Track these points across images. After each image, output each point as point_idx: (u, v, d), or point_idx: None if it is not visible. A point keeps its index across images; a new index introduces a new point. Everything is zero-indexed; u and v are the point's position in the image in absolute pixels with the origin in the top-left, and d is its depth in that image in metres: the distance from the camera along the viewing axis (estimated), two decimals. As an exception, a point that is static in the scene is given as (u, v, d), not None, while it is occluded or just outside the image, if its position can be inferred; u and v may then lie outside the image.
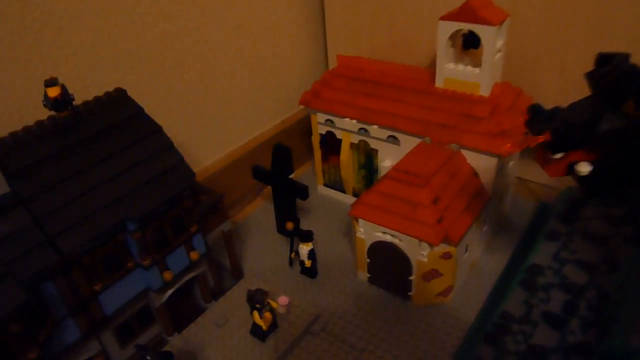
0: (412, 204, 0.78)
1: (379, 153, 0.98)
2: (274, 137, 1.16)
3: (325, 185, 1.14)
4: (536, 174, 1.10)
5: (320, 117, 1.03)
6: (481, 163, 0.86)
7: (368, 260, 0.87)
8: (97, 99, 0.68)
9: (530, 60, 0.95)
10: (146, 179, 0.65)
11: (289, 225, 0.87)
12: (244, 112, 1.11)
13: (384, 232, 0.82)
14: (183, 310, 0.83)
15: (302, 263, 0.90)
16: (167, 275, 0.70)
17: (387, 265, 0.85)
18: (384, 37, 1.10)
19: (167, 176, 0.67)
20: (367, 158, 1.03)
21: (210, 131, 1.05)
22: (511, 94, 0.90)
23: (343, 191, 1.10)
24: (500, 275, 0.89)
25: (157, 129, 0.69)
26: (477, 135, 0.85)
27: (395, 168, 0.82)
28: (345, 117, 0.99)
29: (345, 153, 1.02)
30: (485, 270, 0.90)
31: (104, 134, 0.65)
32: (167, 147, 0.68)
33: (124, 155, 0.65)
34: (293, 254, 0.91)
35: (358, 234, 0.85)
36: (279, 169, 0.93)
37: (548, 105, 0.56)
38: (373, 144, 0.98)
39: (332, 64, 1.22)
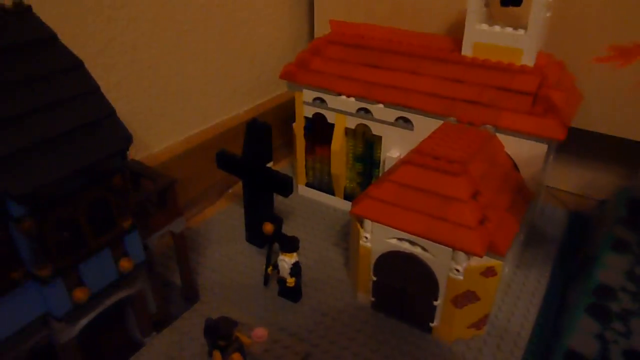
0: (444, 199, 0.56)
1: (384, 141, 0.76)
2: (245, 123, 0.92)
3: (309, 185, 0.91)
4: (564, 181, 0.91)
5: (308, 95, 0.81)
6: (524, 150, 0.66)
7: (374, 278, 0.64)
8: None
9: (575, 25, 0.75)
10: (51, 134, 0.40)
11: (267, 228, 0.63)
12: (209, 89, 0.88)
13: (400, 239, 0.59)
14: (107, 348, 0.56)
15: (281, 281, 0.65)
16: (80, 294, 0.45)
17: (402, 285, 0.62)
18: (383, 0, 0.89)
19: (85, 134, 0.42)
20: (366, 148, 0.80)
21: (164, 108, 0.80)
22: (556, 67, 0.71)
23: (332, 192, 0.87)
24: (545, 298, 0.67)
25: (76, 63, 0.45)
26: (520, 114, 0.65)
27: (417, 151, 0.60)
28: (341, 94, 0.77)
29: (338, 141, 0.79)
30: (524, 291, 0.69)
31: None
32: (90, 90, 0.44)
33: (19, 92, 0.40)
34: (270, 268, 0.66)
35: (362, 242, 0.62)
36: (253, 154, 0.70)
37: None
38: (376, 129, 0.76)
39: (319, 34, 0.99)
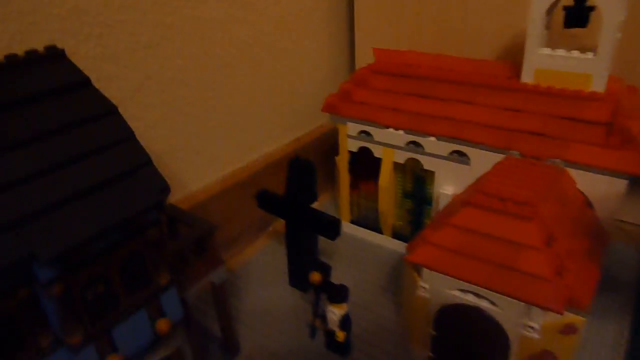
0: (514, 246, 0.50)
1: (437, 176, 0.70)
2: (285, 158, 0.88)
3: (354, 222, 0.85)
4: (634, 213, 0.82)
5: (352, 128, 0.76)
6: (600, 187, 0.58)
7: (433, 332, 0.57)
8: (27, 54, 0.40)
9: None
10: (83, 187, 0.36)
11: (315, 277, 0.57)
12: (247, 123, 0.84)
13: (464, 291, 0.53)
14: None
15: (329, 334, 0.60)
16: (113, 362, 0.40)
17: (466, 342, 0.55)
18: (429, 25, 0.84)
19: (120, 186, 0.38)
20: (417, 184, 0.75)
21: (202, 145, 0.77)
22: (628, 93, 0.64)
23: (378, 230, 0.81)
24: (630, 354, 0.59)
25: (109, 109, 0.41)
26: (593, 147, 0.58)
27: (481, 190, 0.54)
28: (388, 127, 0.72)
29: (386, 176, 0.74)
30: (603, 345, 0.61)
31: (24, 102, 0.37)
32: (125, 136, 0.40)
33: (50, 141, 0.37)
34: (317, 321, 0.61)
35: (419, 292, 0.56)
36: (297, 193, 0.65)
37: None
38: (427, 164, 0.70)
39: (361, 63, 0.95)
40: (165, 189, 0.42)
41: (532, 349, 0.51)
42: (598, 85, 0.60)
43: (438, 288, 0.55)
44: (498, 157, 0.63)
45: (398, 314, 0.67)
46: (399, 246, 0.80)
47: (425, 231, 0.57)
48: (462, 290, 0.53)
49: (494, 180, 0.56)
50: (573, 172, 0.59)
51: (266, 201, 0.69)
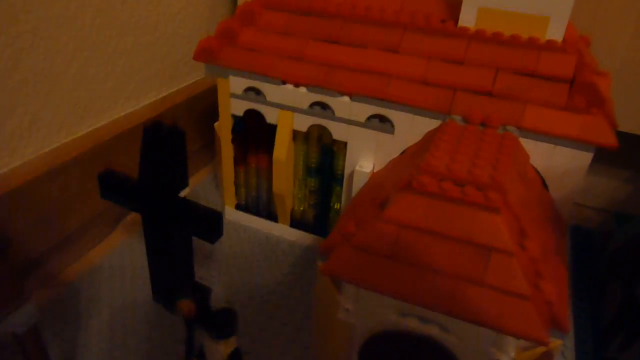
0: (478, 250, 0.35)
1: (350, 148, 0.53)
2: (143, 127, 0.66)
3: (240, 207, 0.66)
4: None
5: (236, 84, 0.56)
6: (559, 161, 0.46)
7: (358, 367, 0.41)
8: None
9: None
10: None
11: (185, 308, 0.37)
12: (86, 74, 0.59)
13: (404, 314, 0.37)
14: None
15: (211, 380, 0.41)
16: None
17: (404, 380, 0.40)
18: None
19: None
20: (324, 157, 0.57)
21: (15, 103, 0.51)
22: (582, 45, 0.52)
23: (273, 217, 0.63)
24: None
25: None
26: (554, 110, 0.45)
27: (424, 169, 0.38)
28: (286, 82, 0.53)
29: (283, 148, 0.55)
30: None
31: None
32: None
33: None
34: (193, 364, 0.41)
35: (340, 316, 0.39)
36: (158, 176, 0.44)
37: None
38: (338, 132, 0.53)
39: None
40: None
41: (497, 388, 0.37)
42: (556, 32, 0.47)
43: (367, 310, 0.38)
44: (432, 124, 0.48)
45: (305, 334, 0.51)
46: (300, 237, 0.63)
47: (344, 225, 0.40)
48: (402, 314, 0.38)
49: (438, 155, 0.40)
50: (526, 143, 0.46)
51: (113, 187, 0.47)
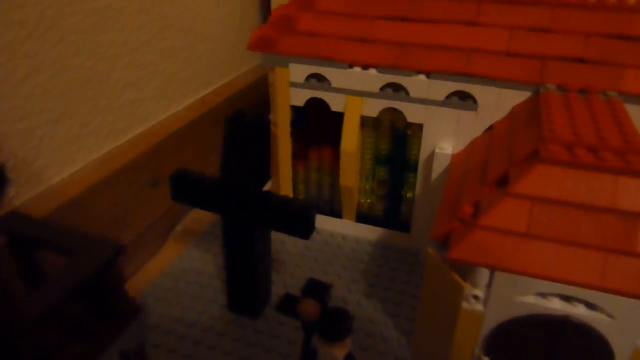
0: (626, 218, 0.32)
1: (426, 131, 0.50)
2: (188, 127, 0.62)
3: (300, 206, 0.62)
4: None
5: (297, 72, 0.52)
6: (665, 126, 0.43)
7: (485, 358, 0.37)
8: None
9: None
10: None
11: (308, 308, 0.33)
12: (129, 81, 0.55)
13: (543, 294, 0.34)
14: None
15: (324, 388, 0.37)
16: None
17: (541, 369, 0.37)
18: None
19: None
20: (395, 144, 0.54)
21: (67, 114, 0.47)
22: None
23: (337, 214, 0.60)
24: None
25: None
26: (656, 70, 0.42)
27: (549, 138, 0.35)
28: (353, 65, 0.50)
29: (351, 137, 0.52)
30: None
31: None
32: None
33: None
34: (309, 372, 0.37)
35: (467, 305, 0.36)
36: (242, 171, 0.40)
37: None
38: (413, 114, 0.50)
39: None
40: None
41: (653, 369, 0.34)
42: (645, -9, 0.45)
43: (501, 295, 0.35)
44: (520, 97, 0.46)
45: (402, 332, 0.47)
46: (367, 232, 0.59)
47: (458, 208, 0.37)
48: (540, 295, 0.34)
49: (557, 122, 0.37)
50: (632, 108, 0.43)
51: (187, 188, 0.43)
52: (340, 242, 0.59)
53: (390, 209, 0.58)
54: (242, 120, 0.40)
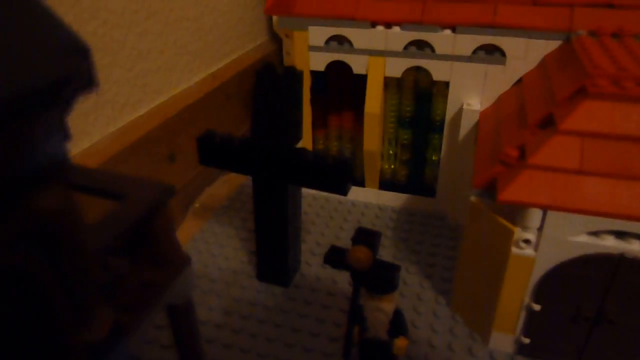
0: (685, 148, 0.31)
1: (452, 88, 0.49)
2: (200, 102, 0.60)
3: (320, 176, 0.61)
4: None
5: (317, 35, 0.51)
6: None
7: (534, 306, 0.37)
8: None
9: None
10: None
11: (361, 255, 0.32)
12: (144, 53, 0.54)
13: (597, 233, 0.33)
14: None
15: (373, 345, 0.36)
16: None
17: (594, 313, 0.36)
18: None
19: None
20: (419, 105, 0.53)
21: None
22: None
23: (360, 182, 0.59)
24: None
25: None
26: (688, 11, 0.42)
27: (595, 73, 0.34)
28: (376, 24, 0.49)
29: (375, 99, 0.51)
30: None
31: None
32: None
33: None
34: (357, 329, 0.36)
35: (517, 250, 0.35)
36: (275, 127, 0.39)
37: None
38: (439, 72, 0.49)
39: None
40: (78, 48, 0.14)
41: None
42: None
43: (553, 237, 0.34)
44: (550, 46, 0.45)
45: (439, 291, 0.46)
46: (390, 199, 0.58)
47: (502, 152, 0.36)
48: (593, 234, 0.33)
49: (599, 61, 0.36)
50: (660, 52, 0.43)
51: (216, 150, 0.42)
52: (363, 210, 0.58)
53: (414, 174, 0.57)
54: (272, 73, 0.38)
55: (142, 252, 0.25)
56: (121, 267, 0.26)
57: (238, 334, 0.42)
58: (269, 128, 0.39)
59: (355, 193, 0.59)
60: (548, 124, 0.36)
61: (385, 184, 0.58)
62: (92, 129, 0.49)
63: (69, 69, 0.14)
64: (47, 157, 0.14)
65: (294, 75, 0.38)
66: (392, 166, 0.57)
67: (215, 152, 0.42)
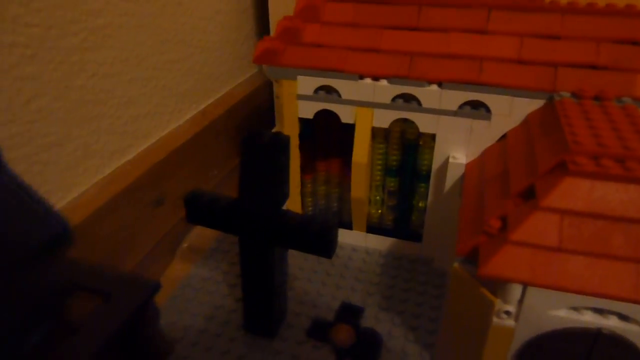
0: (661, 230, 0.32)
1: (439, 140, 0.50)
2: (189, 143, 0.61)
3: (308, 218, 0.61)
4: None
5: (306, 84, 0.52)
6: (678, 131, 0.43)
7: (516, 374, 0.37)
8: None
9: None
10: None
11: (343, 335, 0.33)
12: (128, 98, 0.54)
13: (577, 308, 0.34)
14: None
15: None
16: None
17: (574, 383, 0.36)
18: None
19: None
20: (405, 154, 0.54)
21: (77, 135, 0.46)
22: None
23: (347, 225, 0.59)
24: None
25: None
26: (668, 75, 0.43)
27: (574, 150, 0.35)
28: (364, 77, 0.49)
29: (363, 149, 0.51)
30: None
31: None
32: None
33: None
34: (341, 398, 0.37)
35: (498, 320, 0.35)
36: (261, 191, 0.39)
37: None
38: (426, 124, 0.50)
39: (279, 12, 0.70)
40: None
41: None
42: (653, -4, 0.45)
43: (533, 310, 0.35)
44: (534, 105, 0.45)
45: (423, 345, 0.47)
46: (378, 243, 0.59)
47: (485, 221, 0.37)
48: (573, 308, 0.34)
49: (580, 133, 0.37)
50: (640, 114, 0.43)
51: (203, 208, 0.42)
52: (350, 254, 0.58)
53: (401, 219, 0.57)
54: (258, 140, 0.39)
55: (128, 347, 0.26)
56: None
57: (224, 392, 0.43)
58: (255, 192, 0.40)
59: (343, 235, 0.59)
60: (530, 195, 0.36)
61: (373, 228, 0.58)
62: (82, 180, 0.49)
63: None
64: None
65: (280, 141, 0.39)
66: (380, 211, 0.58)
67: (202, 212, 0.42)
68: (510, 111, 0.46)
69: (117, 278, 0.25)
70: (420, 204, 0.55)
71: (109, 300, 0.24)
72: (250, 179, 0.40)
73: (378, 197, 0.57)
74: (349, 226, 0.59)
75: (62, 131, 0.46)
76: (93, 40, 0.48)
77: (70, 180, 0.48)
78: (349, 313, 0.33)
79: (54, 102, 0.44)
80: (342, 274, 0.55)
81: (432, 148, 0.51)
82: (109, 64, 0.50)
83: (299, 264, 0.57)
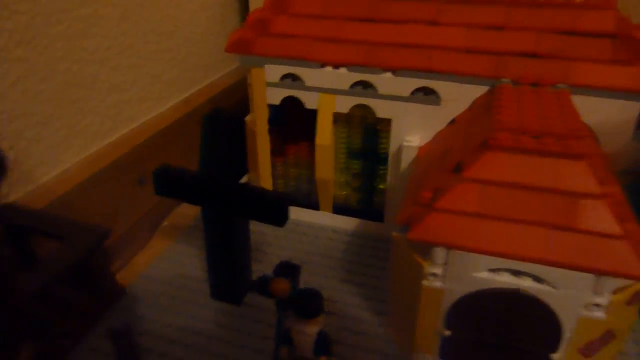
0: (565, 197, 0.36)
1: (394, 125, 0.54)
2: (173, 127, 0.65)
3: (280, 199, 0.65)
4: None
5: (273, 72, 0.55)
6: (608, 115, 0.47)
7: (446, 332, 0.41)
8: None
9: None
10: None
11: (280, 287, 0.37)
12: (114, 83, 0.58)
13: (496, 270, 0.37)
14: None
15: (300, 363, 0.40)
16: None
17: (494, 339, 0.40)
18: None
19: None
20: (368, 138, 0.57)
21: (52, 113, 0.50)
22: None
23: (315, 206, 0.63)
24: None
25: None
26: (601, 64, 0.46)
27: (498, 127, 0.38)
28: (325, 65, 0.53)
29: (325, 133, 0.55)
30: None
31: None
32: None
33: None
34: (284, 350, 0.40)
35: (427, 282, 0.39)
36: (220, 165, 0.43)
37: None
38: (382, 110, 0.53)
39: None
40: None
41: (593, 333, 0.37)
42: (592, -11, 0.48)
43: (457, 272, 0.38)
44: (480, 91, 0.49)
45: (376, 312, 0.50)
46: (343, 223, 0.62)
47: (419, 194, 0.40)
48: (492, 271, 0.38)
49: (506, 113, 0.41)
50: (575, 99, 0.47)
51: (170, 182, 0.46)
52: (317, 233, 0.62)
53: (365, 200, 0.61)
54: (219, 118, 0.43)
55: (81, 286, 0.30)
56: (66, 296, 0.30)
57: (188, 349, 0.47)
58: (215, 165, 0.44)
59: (311, 215, 0.63)
60: (458, 170, 0.40)
61: (340, 208, 0.62)
62: (65, 157, 0.54)
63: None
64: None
65: (237, 120, 0.43)
66: (345, 192, 0.62)
67: (169, 185, 0.46)
68: (458, 97, 0.50)
69: (72, 225, 0.30)
70: (381, 186, 0.59)
71: (65, 242, 0.29)
72: (211, 153, 0.44)
73: (343, 180, 0.61)
74: (317, 207, 0.63)
75: (46, 111, 0.50)
76: (77, 28, 0.52)
77: (54, 157, 0.52)
78: (286, 269, 0.37)
79: (39, 84, 0.49)
80: (308, 250, 0.59)
81: (390, 132, 0.54)
82: (93, 51, 0.54)
83: (269, 241, 0.60)
